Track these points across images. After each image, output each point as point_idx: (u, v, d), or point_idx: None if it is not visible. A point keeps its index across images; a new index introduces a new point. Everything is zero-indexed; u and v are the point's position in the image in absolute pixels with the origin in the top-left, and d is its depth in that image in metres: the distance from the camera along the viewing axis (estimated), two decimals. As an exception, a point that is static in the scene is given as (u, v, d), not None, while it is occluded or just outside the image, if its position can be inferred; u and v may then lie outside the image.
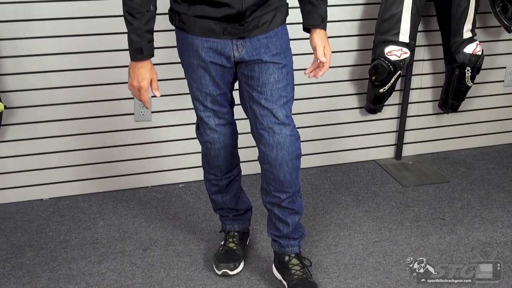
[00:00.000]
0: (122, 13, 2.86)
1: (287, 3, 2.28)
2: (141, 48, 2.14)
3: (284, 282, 2.46)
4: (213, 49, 2.21)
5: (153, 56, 2.18)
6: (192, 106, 3.06)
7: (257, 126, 2.29)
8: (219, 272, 2.54)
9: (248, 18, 2.17)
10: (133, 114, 3.06)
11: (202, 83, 2.28)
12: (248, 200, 2.67)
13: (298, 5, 2.34)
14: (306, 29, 2.32)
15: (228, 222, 2.63)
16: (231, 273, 2.54)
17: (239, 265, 2.57)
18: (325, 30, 2.31)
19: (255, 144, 2.89)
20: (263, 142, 2.28)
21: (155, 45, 2.94)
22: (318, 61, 2.32)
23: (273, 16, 2.23)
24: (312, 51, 2.32)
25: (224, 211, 2.61)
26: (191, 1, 2.16)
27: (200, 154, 3.16)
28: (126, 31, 2.14)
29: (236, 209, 2.61)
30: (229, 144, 2.43)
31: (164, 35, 2.90)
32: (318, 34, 2.30)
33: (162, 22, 2.94)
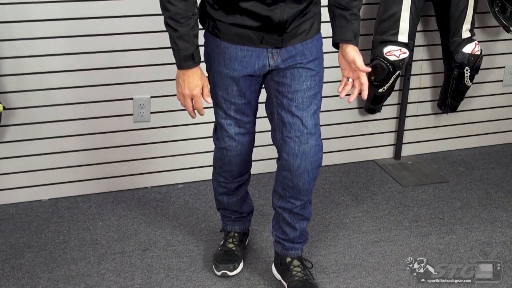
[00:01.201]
0: (121, 14, 2.89)
1: (320, 10, 2.24)
2: (191, 54, 2.07)
3: (284, 283, 2.46)
4: (247, 57, 2.15)
5: (201, 61, 2.12)
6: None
7: (283, 133, 2.25)
8: (219, 273, 2.54)
9: (287, 29, 2.12)
10: (132, 115, 3.06)
11: (229, 92, 2.22)
12: (251, 201, 2.66)
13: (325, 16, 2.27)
14: (335, 44, 2.22)
15: (230, 222, 2.63)
16: (230, 274, 2.54)
17: (238, 266, 2.57)
18: (357, 46, 2.20)
19: (258, 145, 2.89)
20: (287, 150, 2.25)
21: (153, 46, 2.96)
22: (350, 79, 2.22)
23: (311, 24, 2.18)
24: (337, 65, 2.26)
25: (227, 212, 2.60)
26: (229, 10, 2.09)
27: (201, 154, 3.18)
28: (170, 39, 2.09)
29: (240, 212, 2.60)
30: (245, 153, 2.40)
31: (165, 35, 2.91)
32: (352, 48, 2.18)
33: (161, 23, 2.94)
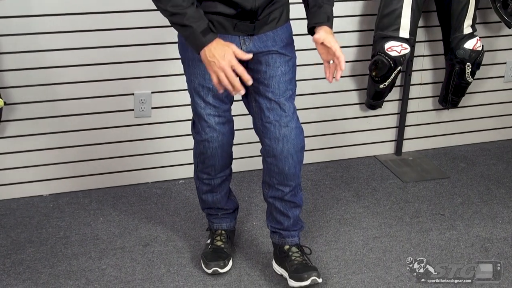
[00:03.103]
0: (122, 9, 2.88)
1: (288, 0, 2.30)
2: (207, 27, 2.07)
3: (285, 275, 2.46)
4: None
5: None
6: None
7: (262, 119, 2.29)
8: (209, 271, 2.51)
9: (259, 16, 2.18)
10: (133, 110, 3.06)
11: (206, 78, 2.25)
12: (235, 199, 2.66)
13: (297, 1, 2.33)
14: (311, 31, 2.23)
15: (216, 220, 2.61)
16: (221, 271, 2.52)
17: (228, 262, 2.55)
18: (331, 28, 2.21)
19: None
20: (268, 135, 2.29)
21: (154, 41, 2.95)
22: (331, 62, 2.21)
23: (281, 13, 2.24)
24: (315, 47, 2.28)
25: (212, 210, 2.60)
26: None
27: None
28: (179, 28, 2.09)
29: (225, 208, 2.60)
30: (227, 143, 2.42)
31: (166, 31, 2.91)
32: (323, 29, 2.18)
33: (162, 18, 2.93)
